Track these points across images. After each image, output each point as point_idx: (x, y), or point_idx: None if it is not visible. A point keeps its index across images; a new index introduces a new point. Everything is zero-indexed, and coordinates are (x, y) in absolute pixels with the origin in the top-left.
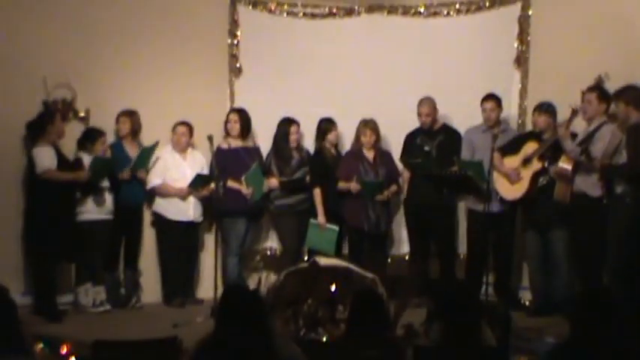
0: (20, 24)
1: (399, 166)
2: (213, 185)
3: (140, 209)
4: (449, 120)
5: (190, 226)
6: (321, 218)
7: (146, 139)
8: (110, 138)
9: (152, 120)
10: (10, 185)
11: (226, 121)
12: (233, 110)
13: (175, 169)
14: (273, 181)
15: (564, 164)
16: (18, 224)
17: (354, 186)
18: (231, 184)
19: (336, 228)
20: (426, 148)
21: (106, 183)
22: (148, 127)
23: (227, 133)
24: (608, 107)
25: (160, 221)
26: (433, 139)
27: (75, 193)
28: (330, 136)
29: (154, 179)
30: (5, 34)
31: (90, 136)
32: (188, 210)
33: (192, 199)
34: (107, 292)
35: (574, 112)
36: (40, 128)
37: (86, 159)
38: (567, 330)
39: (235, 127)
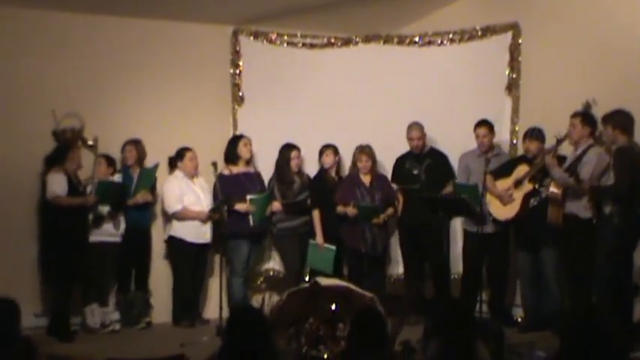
0: (28, 58)
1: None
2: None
3: (148, 231)
4: (443, 145)
5: (204, 248)
6: (319, 239)
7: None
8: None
9: (156, 147)
10: (25, 211)
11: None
12: (239, 137)
13: (191, 194)
14: (276, 205)
15: (554, 189)
16: (33, 248)
17: (350, 210)
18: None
19: (333, 248)
20: (415, 172)
21: (106, 208)
22: (152, 155)
23: (229, 160)
24: (593, 131)
25: (176, 245)
26: (421, 163)
27: (86, 216)
28: (327, 159)
29: (174, 205)
30: (15, 69)
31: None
32: (206, 232)
33: (209, 222)
34: (120, 313)
35: (558, 141)
36: (57, 159)
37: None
38: (557, 345)
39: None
